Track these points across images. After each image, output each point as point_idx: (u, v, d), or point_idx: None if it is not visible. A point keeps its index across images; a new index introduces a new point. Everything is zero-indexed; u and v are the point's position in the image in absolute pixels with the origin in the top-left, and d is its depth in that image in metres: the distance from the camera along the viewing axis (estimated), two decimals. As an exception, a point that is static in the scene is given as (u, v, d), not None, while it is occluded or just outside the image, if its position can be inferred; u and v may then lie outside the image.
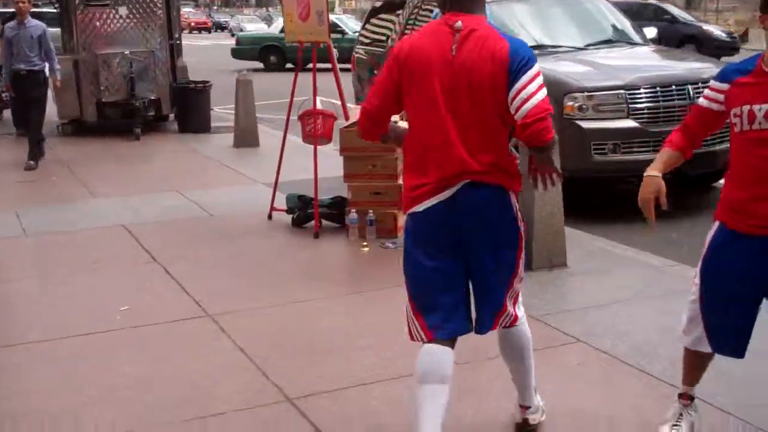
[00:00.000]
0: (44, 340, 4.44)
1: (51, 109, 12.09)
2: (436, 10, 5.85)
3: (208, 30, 61.41)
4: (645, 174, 2.98)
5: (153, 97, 11.69)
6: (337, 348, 4.23)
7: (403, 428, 3.27)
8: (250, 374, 3.96)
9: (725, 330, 3.04)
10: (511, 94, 2.74)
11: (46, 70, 9.63)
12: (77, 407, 3.66)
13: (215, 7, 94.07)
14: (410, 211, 2.95)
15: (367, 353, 4.13)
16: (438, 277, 2.90)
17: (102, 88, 11.43)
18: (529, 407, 3.32)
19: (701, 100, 3.02)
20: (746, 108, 2.81)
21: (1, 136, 11.20)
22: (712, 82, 2.97)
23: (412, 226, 2.96)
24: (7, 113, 12.12)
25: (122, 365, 4.09)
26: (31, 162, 9.38)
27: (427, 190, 2.86)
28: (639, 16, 18.58)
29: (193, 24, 61.30)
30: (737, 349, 3.06)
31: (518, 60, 2.75)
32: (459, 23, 2.82)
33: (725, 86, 2.91)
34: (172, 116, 12.35)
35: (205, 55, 27.60)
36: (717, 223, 3.01)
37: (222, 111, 13.20)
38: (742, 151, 2.88)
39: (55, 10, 14.13)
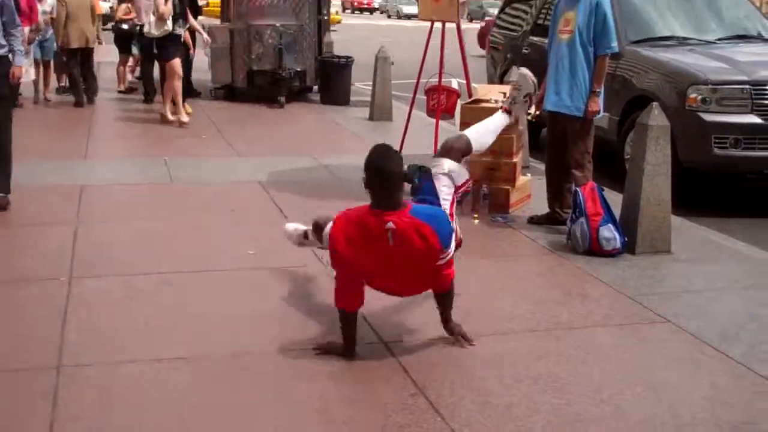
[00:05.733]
0: (176, 271, 5.02)
1: (206, 75, 13.04)
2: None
3: (370, 11, 63.00)
4: None
5: (299, 69, 12.30)
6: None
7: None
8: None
9: None
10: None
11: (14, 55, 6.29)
12: (194, 325, 4.20)
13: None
14: None
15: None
16: None
17: (253, 57, 12.12)
18: None
19: None
20: None
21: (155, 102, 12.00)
22: None
23: None
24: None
25: (241, 300, 4.61)
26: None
27: None
28: None
29: (356, 3, 63.25)
30: None
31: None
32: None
33: None
34: (315, 88, 13.00)
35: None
36: None
37: (363, 86, 13.73)
38: None
39: None
